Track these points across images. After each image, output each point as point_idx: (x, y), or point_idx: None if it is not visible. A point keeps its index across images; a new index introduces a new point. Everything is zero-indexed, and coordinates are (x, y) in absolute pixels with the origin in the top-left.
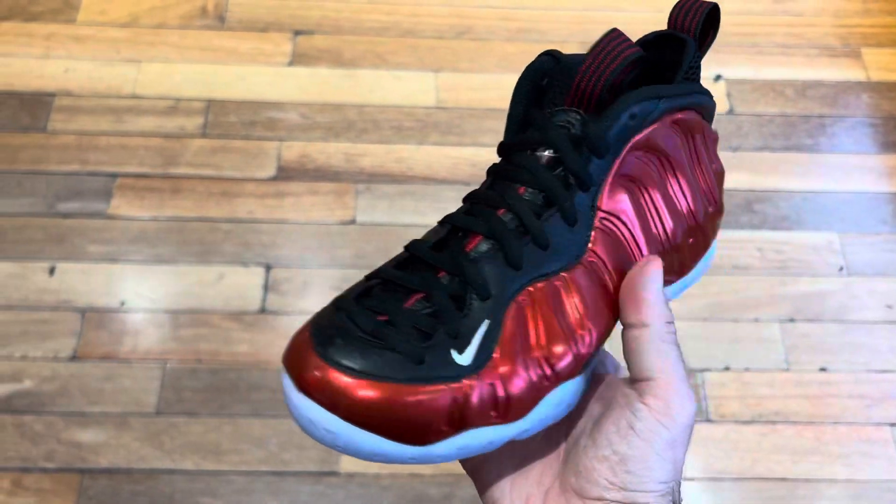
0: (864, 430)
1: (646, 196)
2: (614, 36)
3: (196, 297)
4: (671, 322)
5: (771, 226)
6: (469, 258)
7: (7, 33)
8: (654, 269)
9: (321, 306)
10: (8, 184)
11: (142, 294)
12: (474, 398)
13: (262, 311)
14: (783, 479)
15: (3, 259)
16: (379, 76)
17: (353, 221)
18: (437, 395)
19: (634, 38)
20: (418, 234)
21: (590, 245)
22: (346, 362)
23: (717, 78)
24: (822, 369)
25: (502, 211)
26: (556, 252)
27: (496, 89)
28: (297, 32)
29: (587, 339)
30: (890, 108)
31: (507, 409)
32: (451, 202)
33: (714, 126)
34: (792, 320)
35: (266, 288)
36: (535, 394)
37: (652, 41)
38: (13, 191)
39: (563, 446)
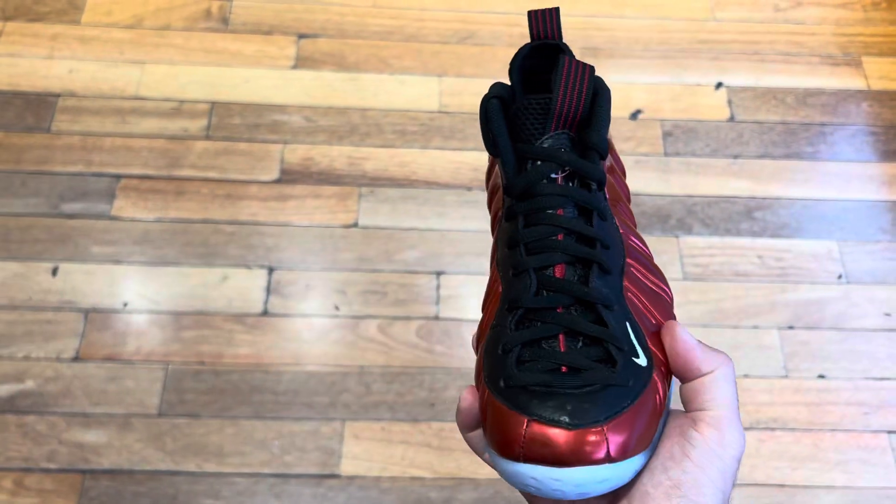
0: (863, 438)
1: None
2: (571, 62)
3: (199, 298)
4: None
5: (771, 233)
6: (576, 283)
7: (13, 33)
8: (684, 331)
9: (322, 309)
10: (13, 184)
11: (145, 295)
12: (661, 388)
13: (265, 313)
14: (781, 486)
15: (7, 259)
16: (382, 80)
17: (355, 225)
18: (648, 401)
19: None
20: (420, 237)
21: (620, 229)
22: (592, 416)
23: (719, 85)
24: (821, 376)
25: (560, 236)
26: (613, 246)
27: None
28: (302, 36)
29: (669, 291)
30: (890, 116)
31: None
32: (453, 206)
33: (715, 133)
34: (791, 327)
35: (268, 290)
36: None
37: (530, 53)
38: (18, 191)
39: None
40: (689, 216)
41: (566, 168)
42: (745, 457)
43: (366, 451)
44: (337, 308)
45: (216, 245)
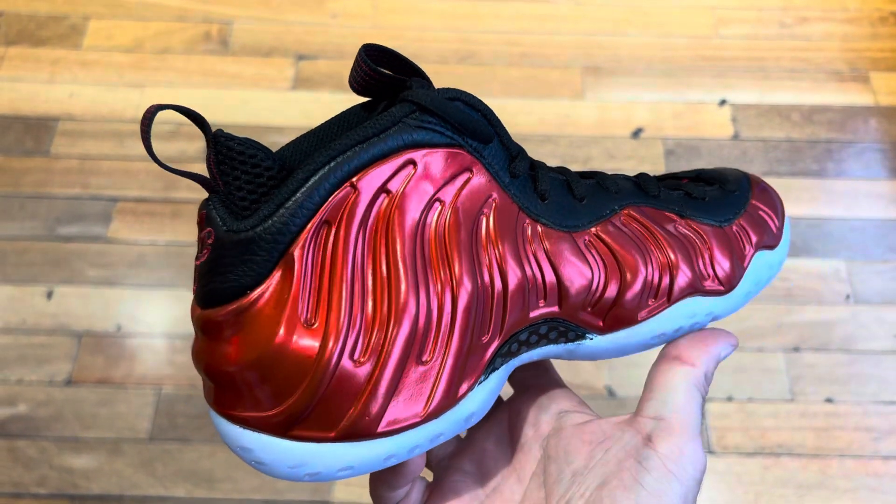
0: (872, 464)
1: None
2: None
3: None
4: (709, 381)
5: None
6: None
7: (15, 58)
8: (730, 341)
9: None
10: (11, 207)
11: (138, 318)
12: None
13: None
14: None
15: (2, 283)
16: None
17: None
18: None
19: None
20: None
21: None
22: None
23: (722, 102)
24: (829, 400)
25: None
26: None
27: (500, 114)
28: (301, 57)
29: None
30: None
31: None
32: None
33: (719, 151)
34: (797, 349)
35: None
36: None
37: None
38: (16, 214)
39: None
40: None
41: None
42: (749, 484)
43: (359, 478)
44: None
45: None
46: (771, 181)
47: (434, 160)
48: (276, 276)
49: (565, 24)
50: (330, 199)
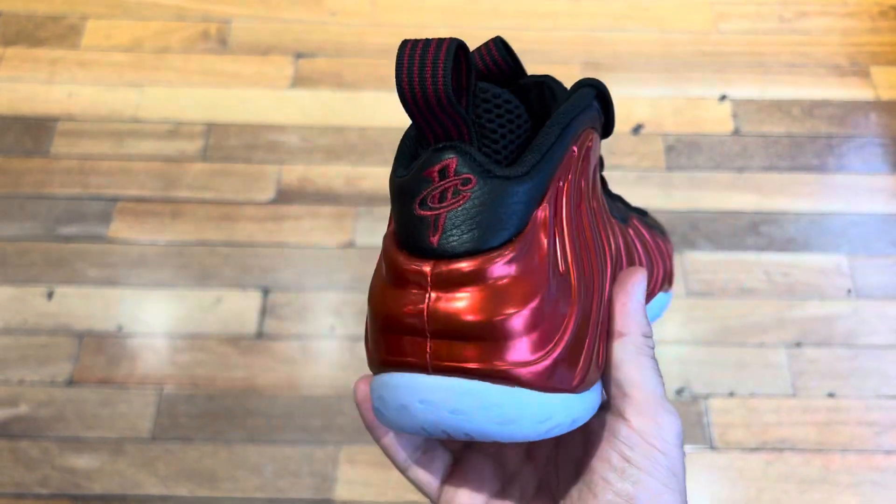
0: (875, 459)
1: None
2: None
3: (193, 321)
4: (649, 336)
5: (778, 248)
6: None
7: (13, 58)
8: (638, 277)
9: (318, 330)
10: (11, 208)
11: (139, 318)
12: None
13: (259, 335)
14: None
15: (3, 283)
16: (381, 98)
17: (352, 244)
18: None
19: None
20: None
21: None
22: None
23: (723, 98)
24: (831, 395)
25: None
26: None
27: None
28: (300, 55)
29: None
30: None
31: None
32: None
33: (719, 147)
34: (799, 345)
35: (263, 312)
36: None
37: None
38: (16, 215)
39: None
40: (693, 231)
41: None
42: (751, 480)
43: (361, 476)
44: (333, 329)
45: (212, 267)
46: (772, 176)
47: (595, 138)
48: (539, 219)
49: (564, 20)
50: (564, 157)
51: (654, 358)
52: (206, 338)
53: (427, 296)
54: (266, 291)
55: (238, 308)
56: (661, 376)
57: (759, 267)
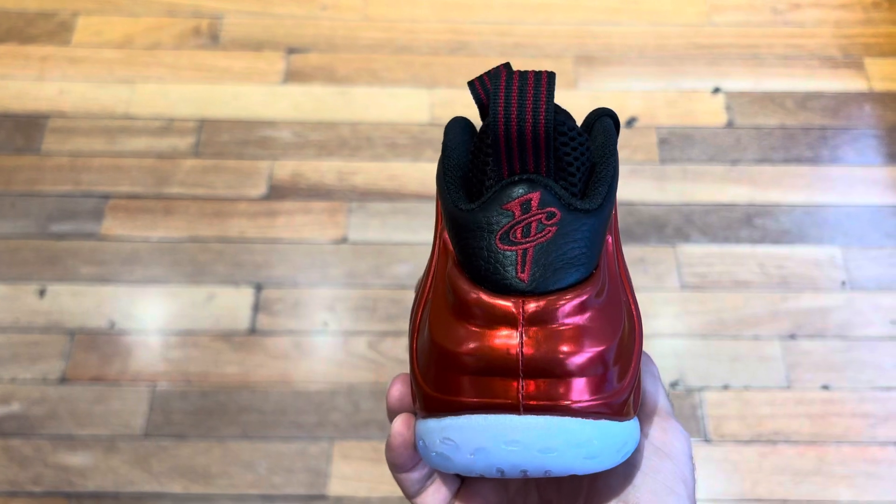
0: (869, 450)
1: None
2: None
3: (186, 318)
4: (653, 364)
5: (772, 240)
6: None
7: (4, 56)
8: None
9: (311, 326)
10: (3, 206)
11: (132, 315)
12: None
13: (252, 331)
14: (784, 501)
15: None
16: (373, 93)
17: (344, 240)
18: None
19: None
20: (410, 251)
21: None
22: None
23: (716, 90)
24: (825, 387)
25: None
26: None
27: None
28: (291, 50)
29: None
30: (894, 118)
31: None
32: None
33: (713, 139)
34: (793, 337)
35: (256, 308)
36: None
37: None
38: (7, 213)
39: None
40: (687, 224)
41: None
42: (746, 472)
43: (355, 472)
44: (326, 324)
45: (204, 263)
46: (765, 168)
47: None
48: (609, 250)
49: (557, 14)
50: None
51: (660, 380)
52: (199, 334)
53: (520, 334)
54: (259, 287)
55: (231, 304)
56: (668, 396)
57: (753, 259)
